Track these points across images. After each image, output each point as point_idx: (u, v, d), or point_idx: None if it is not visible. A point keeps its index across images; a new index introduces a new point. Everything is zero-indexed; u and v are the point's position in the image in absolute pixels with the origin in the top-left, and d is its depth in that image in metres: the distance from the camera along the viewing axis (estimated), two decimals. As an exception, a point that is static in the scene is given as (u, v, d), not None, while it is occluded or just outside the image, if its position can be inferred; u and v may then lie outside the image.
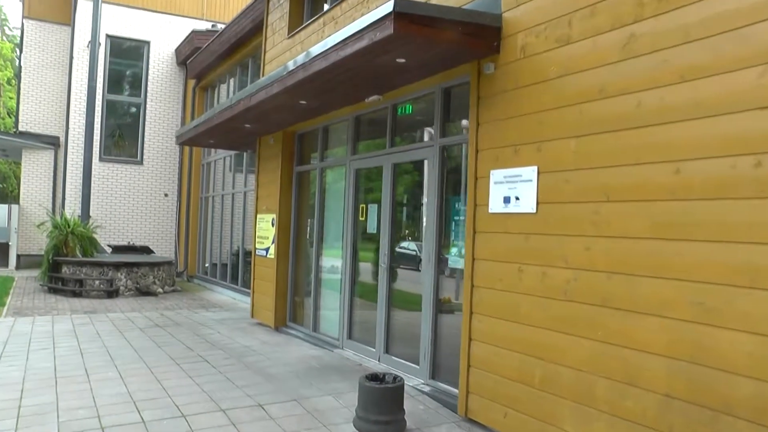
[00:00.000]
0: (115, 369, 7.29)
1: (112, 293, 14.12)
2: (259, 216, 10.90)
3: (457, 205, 6.50)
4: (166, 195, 19.41)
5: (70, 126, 18.13)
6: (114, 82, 19.19)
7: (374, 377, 5.46)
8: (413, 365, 6.97)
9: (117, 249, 17.45)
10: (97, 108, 17.70)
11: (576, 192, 4.80)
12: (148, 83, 19.25)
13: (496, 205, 5.55)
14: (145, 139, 19.17)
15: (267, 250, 10.43)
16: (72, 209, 16.97)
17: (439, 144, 6.70)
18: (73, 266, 14.45)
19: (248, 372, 7.29)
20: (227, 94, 17.15)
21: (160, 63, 19.39)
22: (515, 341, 5.28)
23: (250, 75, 15.38)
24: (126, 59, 19.42)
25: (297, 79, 6.71)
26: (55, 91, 19.72)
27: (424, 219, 6.85)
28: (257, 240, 10.89)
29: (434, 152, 6.75)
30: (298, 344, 9.06)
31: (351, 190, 8.39)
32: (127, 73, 19.53)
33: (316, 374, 7.22)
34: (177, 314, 11.93)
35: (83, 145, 17.29)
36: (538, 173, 5.14)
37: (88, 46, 17.83)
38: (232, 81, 16.83)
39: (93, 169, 17.44)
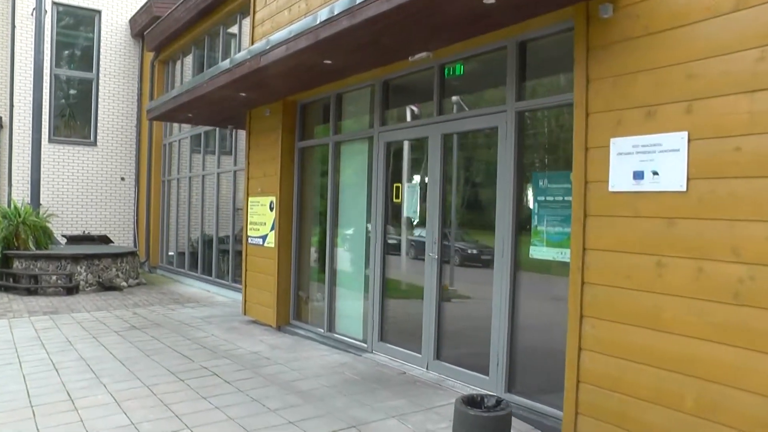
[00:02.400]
0: (105, 390, 5.91)
1: (71, 289, 12.53)
2: (251, 199, 9.53)
3: (542, 183, 5.33)
4: (122, 179, 17.71)
5: (15, 104, 16.20)
6: (62, 56, 17.33)
7: (471, 401, 4.27)
8: (479, 375, 5.81)
9: (72, 239, 15.72)
10: (44, 84, 15.86)
11: (753, 164, 3.69)
12: (101, 57, 17.42)
13: (620, 182, 4.40)
14: (99, 118, 17.37)
15: (264, 237, 9.10)
16: (20, 196, 15.16)
17: (514, 108, 5.52)
18: (27, 260, 12.78)
19: (275, 388, 6.01)
20: (193, 67, 15.58)
21: (113, 34, 17.60)
22: (653, 353, 4.17)
23: (222, 44, 13.87)
24: (75, 30, 17.54)
25: (337, 30, 5.42)
26: (-5, 64, 17.70)
27: (496, 200, 5.66)
28: (250, 227, 9.54)
29: (508, 118, 5.56)
30: (314, 348, 7.78)
31: (380, 168, 7.14)
32: (77, 45, 17.65)
33: (359, 389, 5.99)
34: (151, 312, 10.49)
35: (30, 125, 15.43)
36: (689, 140, 4.00)
37: (32, 15, 15.93)
38: (198, 52, 15.26)
39: (42, 152, 15.62)
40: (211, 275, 13.70)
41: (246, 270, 9.64)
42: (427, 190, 6.47)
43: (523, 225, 5.55)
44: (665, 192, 4.13)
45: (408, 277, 7.06)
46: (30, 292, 12.29)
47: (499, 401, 4.26)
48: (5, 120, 16.51)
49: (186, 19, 14.41)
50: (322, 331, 8.16)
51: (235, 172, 13.03)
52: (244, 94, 8.35)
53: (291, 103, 8.82)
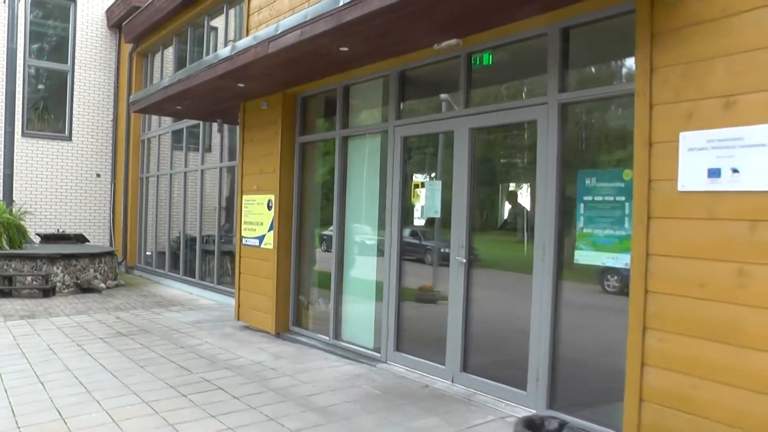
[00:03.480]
0: (99, 407, 5.31)
1: (48, 291, 11.83)
2: (246, 198, 8.98)
3: (589, 181, 4.90)
4: (98, 175, 16.98)
5: (-15, 95, 15.42)
6: (36, 46, 16.54)
7: (531, 424, 3.82)
8: (515, 390, 5.36)
9: (46, 238, 14.97)
10: (17, 75, 15.07)
11: None
12: (76, 48, 16.67)
13: (692, 181, 3.98)
14: (74, 112, 16.62)
15: (261, 238, 8.55)
16: (-9, 193, 14.37)
17: (557, 101, 5.07)
18: (0, 260, 12.04)
19: (289, 404, 5.48)
20: (174, 59, 14.92)
21: (89, 25, 16.84)
22: (734, 371, 3.74)
23: (206, 36, 13.29)
24: (49, 20, 16.78)
25: (366, 11, 4.92)
26: (-37, 54, 16.84)
27: (537, 199, 5.22)
28: (244, 227, 8.98)
29: (549, 111, 5.12)
30: (322, 357, 7.26)
31: (397, 164, 6.65)
32: (51, 35, 16.89)
33: (382, 405, 5.48)
34: (135, 316, 9.88)
35: (3, 118, 14.69)
36: (778, 133, 3.59)
37: (5, 2, 15.14)
38: (180, 45, 14.61)
39: (15, 146, 14.83)
40: (194, 277, 13.08)
41: (240, 273, 9.08)
42: (453, 189, 5.99)
43: (566, 227, 5.11)
44: (748, 192, 3.71)
45: (427, 283, 6.59)
46: (3, 294, 11.57)
47: (562, 424, 3.82)
48: (-26, 112, 15.69)
49: (168, 9, 13.77)
50: (327, 338, 7.65)
51: (221, 168, 12.45)
52: (242, 85, 7.81)
53: (291, 95, 8.28)
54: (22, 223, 13.25)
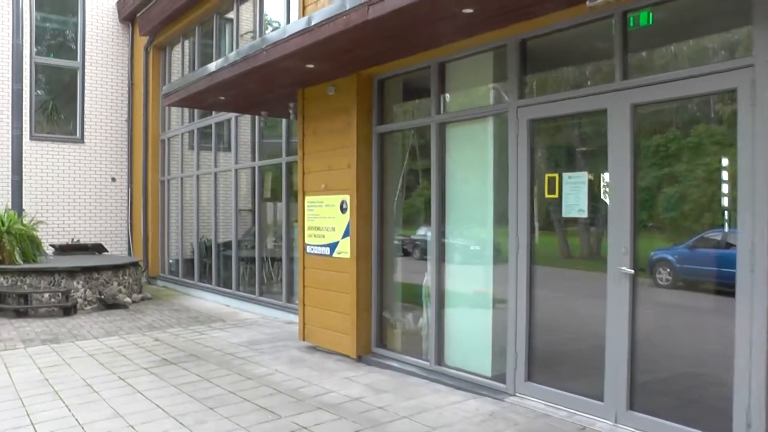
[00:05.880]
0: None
1: (69, 309, 10.62)
2: (309, 199, 7.76)
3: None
4: (113, 179, 15.75)
5: (-9, 95, 14.20)
6: (43, 43, 15.30)
7: None
8: (717, 435, 4.19)
9: (61, 249, 13.75)
10: (24, 73, 13.86)
11: None
12: (86, 44, 15.42)
13: None
14: (86, 112, 15.38)
15: (332, 246, 7.34)
16: (0, 202, 13.13)
17: (773, 61, 3.90)
18: (13, 276, 10.80)
19: (429, 462, 4.31)
20: (196, 52, 13.66)
21: (100, 19, 15.60)
22: None
23: (236, 24, 12.08)
24: (56, 14, 15.54)
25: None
26: (-35, 52, 15.61)
27: (739, 189, 4.05)
28: (308, 233, 7.77)
29: (758, 76, 3.95)
30: (429, 388, 6.01)
31: (522, 153, 5.43)
32: (59, 31, 15.65)
33: (547, 460, 4.32)
34: (176, 338, 8.69)
35: (10, 121, 13.45)
36: None
37: (8, -7, 13.94)
38: (203, 38, 13.39)
39: (23, 150, 13.61)
40: (230, 287, 11.90)
41: (304, 286, 7.86)
42: (609, 180, 4.80)
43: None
44: None
45: (568, 297, 5.45)
46: (19, 313, 10.37)
47: None
48: (-22, 114, 14.45)
49: (191, -4, 12.58)
50: (428, 364, 6.43)
51: (257, 167, 11.22)
52: (312, 66, 6.61)
53: (366, 77, 7.07)
54: (36, 233, 12.02)
